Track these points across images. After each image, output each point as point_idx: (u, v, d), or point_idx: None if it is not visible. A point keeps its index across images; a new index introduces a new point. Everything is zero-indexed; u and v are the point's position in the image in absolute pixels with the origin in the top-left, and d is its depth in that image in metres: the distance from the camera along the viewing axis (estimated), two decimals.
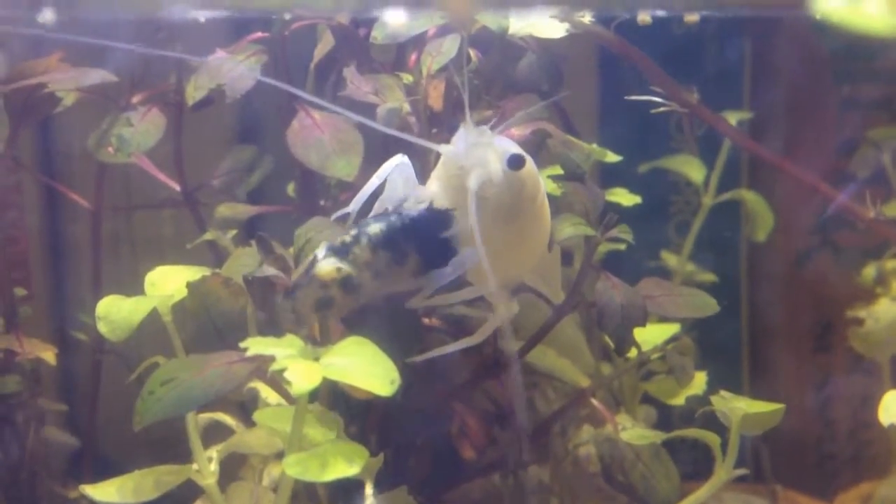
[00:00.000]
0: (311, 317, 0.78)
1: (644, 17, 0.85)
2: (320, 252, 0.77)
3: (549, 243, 0.86)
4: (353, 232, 0.78)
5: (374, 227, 0.78)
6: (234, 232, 0.98)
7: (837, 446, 1.30)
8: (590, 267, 0.86)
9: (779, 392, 1.31)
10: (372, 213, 0.85)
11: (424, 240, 0.78)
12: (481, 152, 0.79)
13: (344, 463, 0.72)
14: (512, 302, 0.84)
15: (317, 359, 0.71)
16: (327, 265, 0.76)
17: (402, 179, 0.83)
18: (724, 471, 0.85)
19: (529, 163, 0.81)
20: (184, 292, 0.83)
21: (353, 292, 0.77)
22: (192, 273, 0.85)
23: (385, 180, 0.84)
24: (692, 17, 1.05)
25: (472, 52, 0.93)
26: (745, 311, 1.30)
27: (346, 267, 0.76)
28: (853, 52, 1.17)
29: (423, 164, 0.90)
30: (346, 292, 0.77)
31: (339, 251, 0.77)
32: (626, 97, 0.90)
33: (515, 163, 0.80)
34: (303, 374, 0.69)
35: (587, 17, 0.90)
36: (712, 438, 0.84)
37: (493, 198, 0.80)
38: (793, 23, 1.10)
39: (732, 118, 1.09)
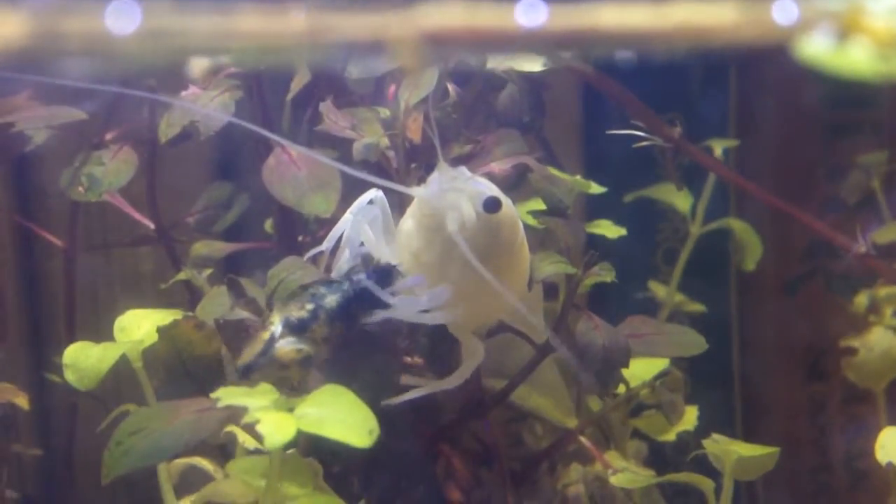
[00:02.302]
0: None
1: None
2: (276, 328, 0.76)
3: (529, 283, 0.84)
4: (310, 307, 0.77)
5: (331, 300, 0.77)
6: (209, 271, 0.96)
7: (833, 477, 1.28)
8: (572, 305, 0.84)
9: (772, 422, 1.29)
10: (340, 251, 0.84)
11: (370, 302, 0.78)
12: (455, 195, 0.77)
13: None
14: (480, 344, 0.82)
15: (291, 409, 0.69)
16: (287, 347, 0.75)
17: (370, 219, 0.81)
18: None
19: (507, 205, 0.79)
20: (154, 337, 0.81)
21: (309, 367, 0.76)
22: (163, 316, 0.83)
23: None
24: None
25: (450, 87, 0.91)
26: (736, 341, 1.28)
27: (306, 347, 0.76)
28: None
29: (403, 196, 0.88)
30: (303, 368, 0.76)
31: (298, 328, 0.76)
32: (608, 131, 0.88)
33: (491, 206, 0.78)
34: (276, 427, 0.66)
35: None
36: (705, 483, 0.82)
37: (467, 241, 0.78)
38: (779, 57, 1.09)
39: (718, 146, 1.08)
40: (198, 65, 0.55)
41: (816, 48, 0.37)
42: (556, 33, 0.35)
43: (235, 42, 0.37)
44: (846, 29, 0.35)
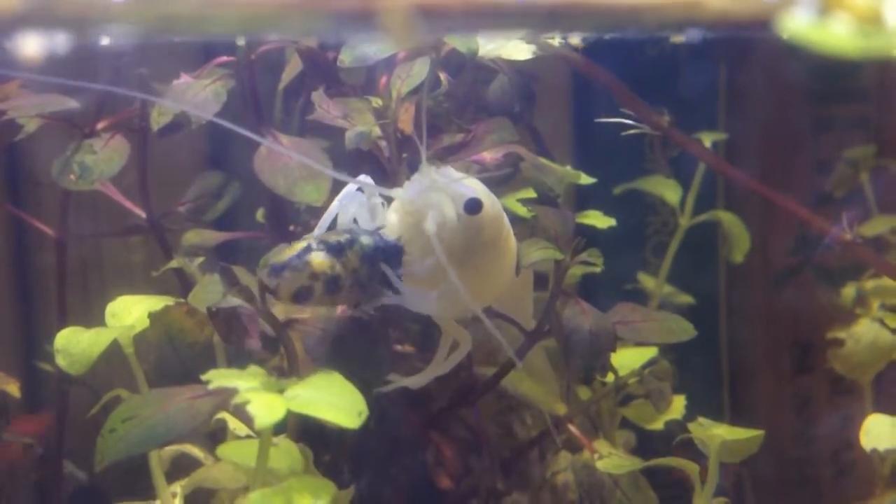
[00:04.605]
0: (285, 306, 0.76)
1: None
2: (313, 243, 0.75)
3: (517, 269, 0.84)
4: (347, 237, 0.76)
5: (366, 239, 0.77)
6: (200, 259, 0.96)
7: (820, 469, 1.28)
8: (560, 292, 0.85)
9: (759, 414, 1.29)
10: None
11: (387, 264, 0.77)
12: (434, 197, 0.78)
13: (309, 498, 0.70)
14: (466, 333, 0.83)
15: (281, 391, 0.69)
16: (323, 258, 0.74)
17: (356, 205, 0.82)
18: (702, 500, 0.83)
19: (489, 205, 0.80)
20: (146, 323, 0.81)
21: (331, 294, 0.75)
22: (155, 303, 0.83)
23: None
24: (678, 38, 1.04)
25: (442, 76, 0.91)
26: (723, 333, 1.29)
27: (338, 267, 0.75)
28: (824, 72, 1.16)
29: (394, 183, 0.88)
30: (325, 292, 0.75)
31: (335, 250, 0.75)
32: (598, 119, 0.89)
33: (472, 207, 0.78)
34: (266, 408, 0.67)
35: (556, 39, 0.89)
36: (690, 467, 0.83)
37: (447, 241, 0.78)
38: (766, 45, 1.09)
39: (707, 139, 1.08)
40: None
41: (798, 23, 0.37)
42: (548, 5, 0.35)
43: (224, 9, 0.37)
44: (827, 4, 0.36)
